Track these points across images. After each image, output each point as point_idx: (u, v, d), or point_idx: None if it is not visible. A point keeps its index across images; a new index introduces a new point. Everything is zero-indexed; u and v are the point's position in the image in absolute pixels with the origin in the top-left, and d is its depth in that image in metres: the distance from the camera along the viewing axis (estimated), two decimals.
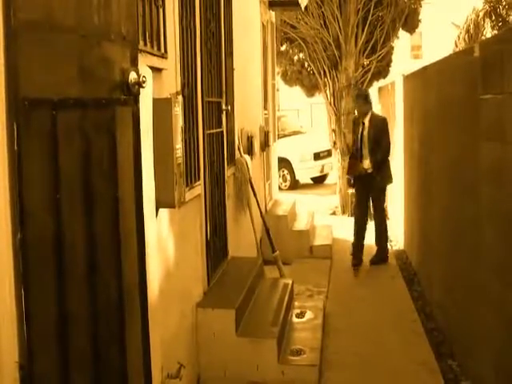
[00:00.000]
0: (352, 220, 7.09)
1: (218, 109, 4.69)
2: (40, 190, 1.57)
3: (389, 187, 7.35)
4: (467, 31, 16.11)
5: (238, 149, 5.52)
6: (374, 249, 6.86)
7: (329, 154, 13.17)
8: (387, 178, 6.74)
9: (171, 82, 3.35)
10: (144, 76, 2.05)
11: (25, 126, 1.47)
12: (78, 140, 1.74)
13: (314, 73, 10.41)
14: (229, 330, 3.83)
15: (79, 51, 1.74)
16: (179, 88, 3.47)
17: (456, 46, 16.31)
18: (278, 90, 10.74)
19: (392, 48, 10.29)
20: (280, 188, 11.08)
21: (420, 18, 10.48)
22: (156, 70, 2.93)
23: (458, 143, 4.29)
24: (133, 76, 2.00)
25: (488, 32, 15.39)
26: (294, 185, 13.82)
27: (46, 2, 1.60)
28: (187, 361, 3.42)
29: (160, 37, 3.08)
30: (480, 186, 3.57)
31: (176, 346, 3.36)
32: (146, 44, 2.83)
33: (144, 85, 2.05)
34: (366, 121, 6.54)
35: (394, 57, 10.52)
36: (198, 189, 3.97)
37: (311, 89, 11.03)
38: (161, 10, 3.09)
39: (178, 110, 2.84)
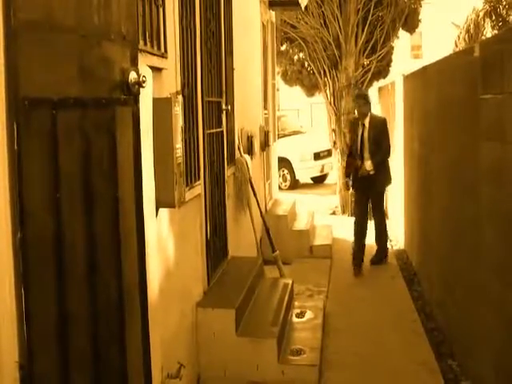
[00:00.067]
0: (352, 220, 7.09)
1: (218, 108, 4.69)
2: (40, 189, 1.57)
3: (389, 187, 7.35)
4: (467, 31, 16.10)
5: (238, 148, 5.52)
6: (374, 248, 6.86)
7: (329, 153, 13.17)
8: (387, 180, 6.74)
9: (171, 81, 3.35)
10: (144, 76, 2.05)
11: (25, 126, 1.47)
12: (77, 140, 1.74)
13: (314, 72, 10.41)
14: (229, 330, 3.83)
15: (79, 51, 1.74)
16: (179, 88, 3.47)
17: (456, 45, 16.30)
18: (278, 89, 10.74)
19: (392, 48, 10.29)
20: (280, 188, 11.09)
21: (420, 17, 10.48)
22: (156, 70, 2.93)
23: (458, 143, 4.29)
24: (133, 76, 2.00)
25: (488, 32, 15.38)
26: (294, 184, 13.82)
27: (46, 2, 1.60)
28: (187, 361, 3.42)
29: (160, 36, 3.08)
30: (480, 186, 3.57)
31: (176, 345, 3.36)
32: (146, 44, 2.83)
33: (144, 84, 2.05)
34: (366, 122, 6.53)
35: (394, 57, 10.52)
36: (198, 188, 3.97)
37: (311, 88, 11.03)
38: (161, 10, 3.09)
39: (177, 110, 2.84)
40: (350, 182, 6.82)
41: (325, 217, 9.74)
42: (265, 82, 7.60)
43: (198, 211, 4.03)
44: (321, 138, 13.59)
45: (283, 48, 10.55)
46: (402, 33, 10.50)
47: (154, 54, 2.97)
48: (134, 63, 2.06)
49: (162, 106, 2.68)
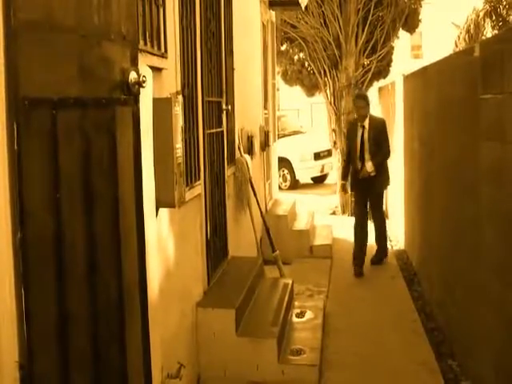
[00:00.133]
0: (352, 220, 7.09)
1: (218, 108, 4.69)
2: (40, 189, 1.57)
3: (389, 187, 7.34)
4: (467, 31, 16.08)
5: (238, 148, 5.52)
6: (375, 248, 6.87)
7: (329, 153, 13.16)
8: (385, 181, 6.75)
9: (171, 81, 3.35)
10: (144, 76, 2.05)
11: (25, 126, 1.47)
12: (78, 139, 1.74)
13: (314, 72, 10.41)
14: (229, 330, 3.83)
15: (79, 51, 1.74)
16: (179, 88, 3.47)
17: (456, 45, 16.29)
18: (278, 89, 10.74)
19: (392, 48, 10.29)
20: (280, 188, 11.09)
21: (420, 17, 10.48)
22: (156, 70, 2.93)
23: (458, 143, 4.29)
24: (133, 76, 2.00)
25: (488, 32, 15.37)
26: (294, 184, 13.82)
27: (46, 2, 1.60)
28: (187, 360, 3.42)
29: (160, 36, 3.08)
30: (480, 186, 3.57)
31: (176, 345, 3.36)
32: (146, 43, 2.83)
33: (144, 84, 2.05)
34: (366, 123, 6.53)
35: (394, 57, 10.53)
36: (198, 188, 3.97)
37: (311, 88, 11.03)
38: (161, 10, 3.09)
39: (178, 110, 2.84)
40: (348, 185, 6.83)
41: (325, 217, 9.74)
42: (265, 82, 7.60)
43: (198, 211, 4.03)
44: (321, 138, 13.59)
45: (283, 48, 10.55)
46: (402, 33, 10.50)
47: (154, 54, 2.97)
48: (134, 63, 2.06)
49: (162, 106, 2.68)
